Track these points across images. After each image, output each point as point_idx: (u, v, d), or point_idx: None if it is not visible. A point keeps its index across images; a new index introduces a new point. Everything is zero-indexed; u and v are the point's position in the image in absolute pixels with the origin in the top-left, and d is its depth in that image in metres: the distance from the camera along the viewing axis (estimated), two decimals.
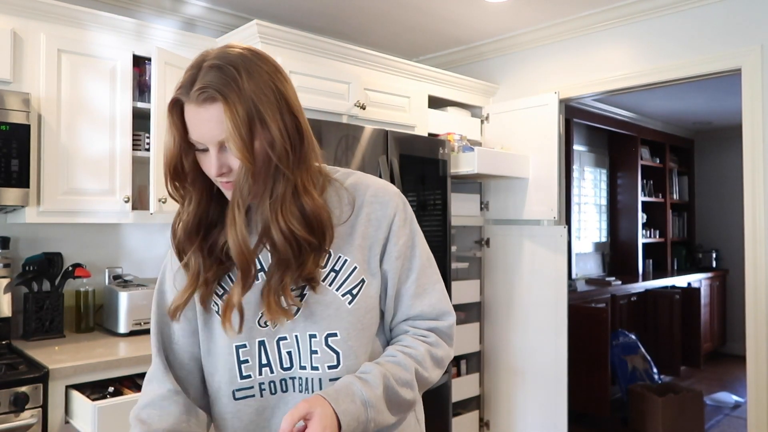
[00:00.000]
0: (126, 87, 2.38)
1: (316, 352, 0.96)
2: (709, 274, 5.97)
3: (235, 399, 0.98)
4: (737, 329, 5.71)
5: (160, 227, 2.84)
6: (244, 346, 0.97)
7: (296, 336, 0.96)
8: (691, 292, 5.53)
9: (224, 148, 0.90)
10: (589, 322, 4.01)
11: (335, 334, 0.95)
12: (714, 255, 6.39)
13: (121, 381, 2.05)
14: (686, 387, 4.11)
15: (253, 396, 0.98)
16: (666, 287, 5.36)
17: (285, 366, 0.97)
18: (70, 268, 2.43)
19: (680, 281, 5.56)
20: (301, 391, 0.97)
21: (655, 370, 4.51)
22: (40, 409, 1.86)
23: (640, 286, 5.10)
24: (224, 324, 0.95)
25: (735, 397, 4.64)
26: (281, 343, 0.97)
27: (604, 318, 4.02)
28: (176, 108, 0.92)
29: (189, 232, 0.97)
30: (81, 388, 1.94)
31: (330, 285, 0.96)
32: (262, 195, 0.92)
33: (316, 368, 0.96)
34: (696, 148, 6.75)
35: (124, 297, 2.40)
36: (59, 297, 2.37)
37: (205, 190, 0.97)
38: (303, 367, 0.97)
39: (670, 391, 3.94)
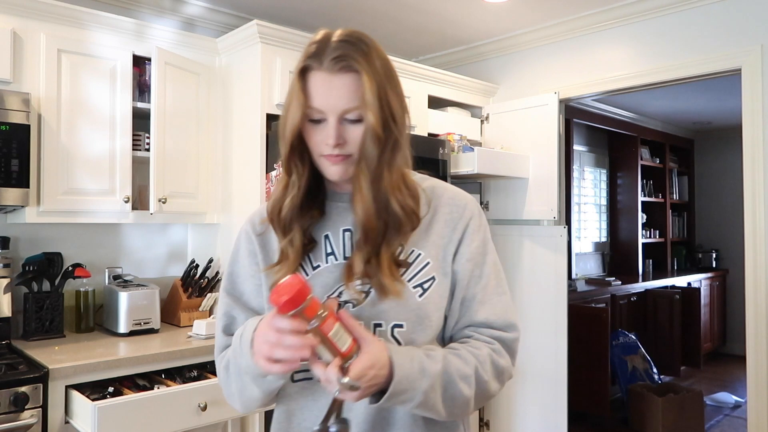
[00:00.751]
0: (126, 87, 2.38)
1: None
2: (709, 274, 5.97)
3: (293, 381, 0.98)
4: (737, 329, 5.71)
5: (160, 227, 2.84)
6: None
7: (361, 324, 0.94)
8: (691, 292, 5.53)
9: (343, 120, 0.92)
10: (589, 322, 4.00)
11: (401, 326, 0.94)
12: (714, 255, 6.39)
13: (121, 381, 2.05)
14: (686, 387, 4.11)
15: (311, 379, 0.96)
16: (666, 287, 5.36)
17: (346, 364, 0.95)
18: (70, 268, 2.43)
19: (680, 281, 5.56)
20: None
21: (655, 370, 4.51)
22: (40, 409, 1.86)
23: (640, 286, 5.10)
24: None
25: (735, 397, 4.64)
26: None
27: (604, 318, 4.02)
28: (302, 76, 0.93)
29: (298, 208, 0.98)
30: (81, 388, 1.94)
31: (402, 275, 0.96)
32: (376, 166, 0.93)
33: None
34: (696, 148, 6.75)
35: (124, 297, 2.40)
36: (59, 297, 2.37)
37: (310, 167, 0.98)
38: None
39: (670, 391, 3.94)
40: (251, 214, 1.09)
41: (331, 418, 0.86)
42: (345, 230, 1.00)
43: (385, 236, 0.95)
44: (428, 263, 0.98)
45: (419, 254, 0.98)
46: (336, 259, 0.99)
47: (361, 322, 0.88)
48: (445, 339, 1.02)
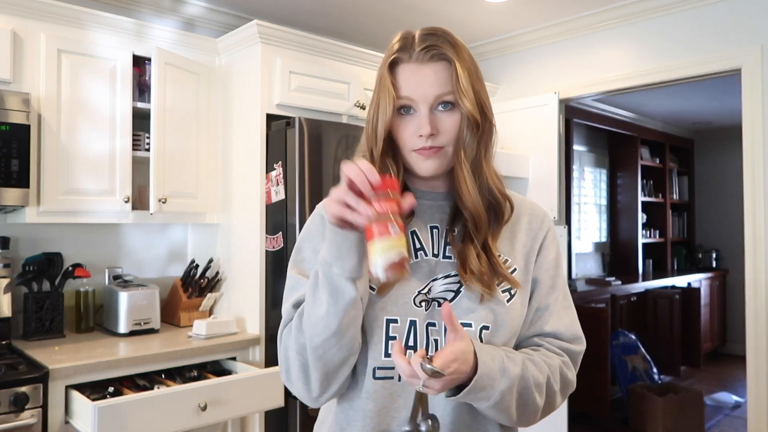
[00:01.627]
0: (126, 87, 2.38)
1: None
2: (709, 274, 5.97)
3: (375, 377, 0.93)
4: (737, 329, 5.70)
5: (160, 227, 2.84)
6: (395, 321, 0.93)
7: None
8: (691, 292, 5.53)
9: (435, 110, 0.91)
10: (589, 322, 3.99)
11: (487, 327, 0.93)
12: (714, 255, 6.39)
13: (121, 381, 2.06)
14: (686, 387, 4.11)
15: (392, 378, 0.93)
16: (666, 287, 5.35)
17: (430, 354, 0.92)
18: (70, 268, 2.43)
19: (680, 281, 5.55)
20: None
21: (655, 370, 4.51)
22: (40, 409, 1.86)
23: (640, 286, 5.10)
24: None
25: (735, 397, 4.64)
26: (430, 329, 0.93)
27: (604, 318, 4.02)
28: (390, 70, 0.93)
29: None
30: (81, 388, 1.94)
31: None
32: (475, 154, 0.93)
33: None
34: (696, 148, 6.75)
35: (124, 297, 2.40)
36: (59, 297, 2.37)
37: (401, 163, 0.96)
38: None
39: (670, 391, 3.94)
40: (326, 200, 1.02)
41: (418, 416, 0.85)
42: (432, 227, 0.99)
43: (491, 227, 0.96)
44: (515, 269, 0.98)
45: (506, 260, 0.98)
46: (426, 255, 0.97)
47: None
48: (515, 346, 1.00)
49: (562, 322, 0.99)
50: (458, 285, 0.94)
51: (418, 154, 0.93)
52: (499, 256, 0.96)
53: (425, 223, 0.99)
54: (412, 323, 0.93)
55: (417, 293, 0.94)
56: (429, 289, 0.95)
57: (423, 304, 0.94)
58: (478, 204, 0.93)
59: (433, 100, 0.90)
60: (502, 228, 0.97)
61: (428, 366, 0.78)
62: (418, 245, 0.97)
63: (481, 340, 0.92)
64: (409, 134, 0.92)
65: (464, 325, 0.91)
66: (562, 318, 1.00)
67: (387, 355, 0.92)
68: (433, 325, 0.93)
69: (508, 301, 0.95)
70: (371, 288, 0.92)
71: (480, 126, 0.92)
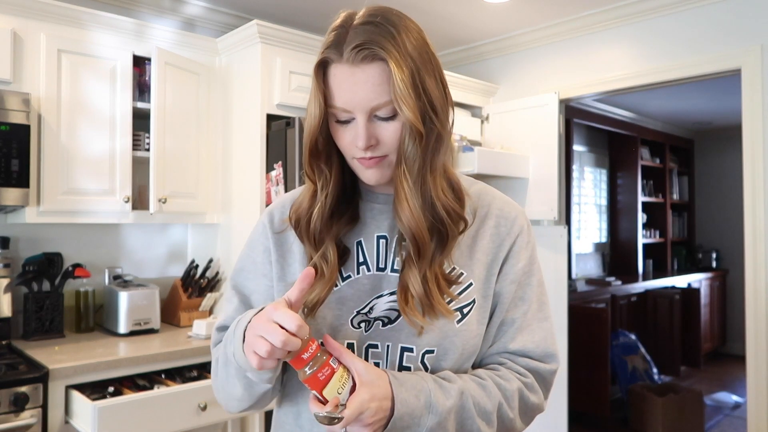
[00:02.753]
0: (126, 87, 2.38)
1: (408, 368, 0.85)
2: (709, 274, 5.97)
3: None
4: (737, 329, 5.71)
5: (160, 227, 2.84)
6: None
7: (387, 346, 0.85)
8: (691, 293, 5.53)
9: (373, 118, 0.81)
10: (589, 322, 4.00)
11: (432, 351, 0.85)
12: (714, 255, 6.39)
13: (121, 381, 2.06)
14: (686, 387, 4.11)
15: None
16: (666, 287, 5.36)
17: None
18: (70, 268, 2.43)
19: (680, 281, 5.56)
20: None
21: (655, 370, 4.51)
22: (40, 409, 1.86)
23: (640, 286, 5.10)
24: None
25: (735, 397, 4.64)
26: (370, 351, 0.86)
27: (604, 318, 4.02)
28: (320, 70, 0.81)
29: (327, 219, 0.86)
30: (81, 388, 1.94)
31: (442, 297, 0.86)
32: (419, 167, 0.82)
33: None
34: (696, 148, 6.75)
35: (124, 297, 2.40)
36: (59, 297, 2.37)
37: (340, 169, 0.88)
38: None
39: (670, 391, 3.94)
40: (271, 207, 0.98)
41: None
42: (380, 237, 0.90)
43: (436, 251, 0.84)
44: (471, 284, 0.87)
45: (461, 273, 0.87)
46: (368, 270, 0.89)
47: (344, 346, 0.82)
48: (474, 364, 0.91)
49: (531, 338, 0.90)
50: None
51: (359, 163, 0.84)
52: (453, 269, 0.87)
53: (372, 232, 0.90)
54: (349, 346, 0.85)
55: (355, 314, 0.86)
56: (370, 308, 0.87)
57: (362, 324, 0.86)
58: (420, 224, 0.82)
59: (370, 110, 0.80)
60: (451, 247, 0.85)
61: (338, 416, 0.74)
62: (361, 259, 0.89)
63: (426, 366, 0.85)
64: (347, 143, 0.83)
65: (405, 349, 0.85)
66: (532, 334, 0.90)
67: None
68: (375, 347, 0.86)
69: (459, 321, 0.85)
70: (302, 311, 0.86)
71: (423, 135, 0.80)
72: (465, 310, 0.86)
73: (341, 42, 0.79)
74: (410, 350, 0.85)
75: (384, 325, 0.86)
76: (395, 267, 0.88)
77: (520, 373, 0.89)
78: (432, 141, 0.82)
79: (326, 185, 0.87)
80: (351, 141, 0.83)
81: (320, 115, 0.81)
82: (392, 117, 0.80)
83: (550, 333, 0.93)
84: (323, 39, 0.84)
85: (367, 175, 0.85)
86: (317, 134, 0.84)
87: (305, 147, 0.85)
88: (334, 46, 0.80)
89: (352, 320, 0.87)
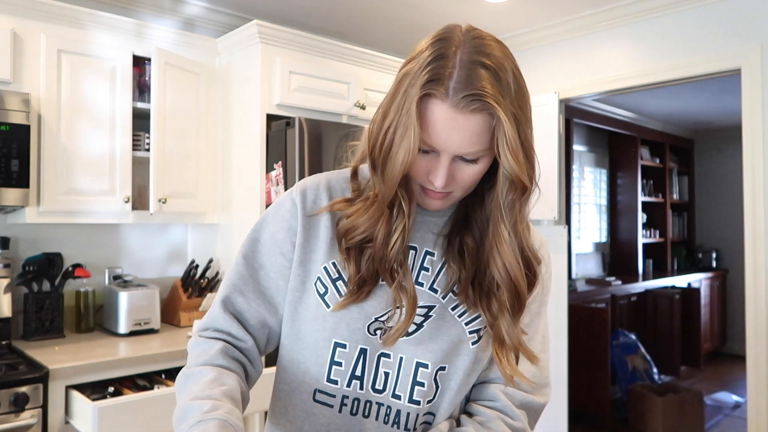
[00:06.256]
0: (126, 87, 2.38)
1: (421, 384, 0.85)
2: (709, 274, 5.97)
3: (314, 400, 0.87)
4: (737, 329, 5.71)
5: (160, 227, 2.84)
6: (344, 346, 0.85)
7: (401, 358, 0.85)
8: (691, 292, 5.53)
9: (457, 159, 0.78)
10: (589, 322, 4.00)
11: (444, 368, 0.86)
12: (714, 255, 6.39)
13: (121, 381, 2.06)
14: (686, 387, 4.11)
15: (331, 407, 0.86)
16: (666, 287, 5.36)
17: (377, 387, 0.85)
18: (70, 268, 2.43)
19: (680, 281, 5.56)
20: (385, 422, 0.86)
21: (655, 370, 4.51)
22: (40, 409, 1.86)
23: (640, 286, 5.10)
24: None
25: (735, 397, 4.64)
26: (382, 359, 0.85)
27: (604, 318, 4.02)
28: (422, 102, 0.75)
29: (387, 249, 0.83)
30: (81, 388, 1.94)
31: (460, 317, 0.86)
32: (515, 219, 0.81)
33: (417, 402, 0.85)
34: (696, 148, 6.75)
35: (124, 297, 2.40)
36: (59, 297, 2.37)
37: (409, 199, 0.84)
38: (397, 396, 0.85)
39: (670, 391, 3.94)
40: (303, 186, 0.91)
41: None
42: (428, 252, 0.88)
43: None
44: (479, 315, 0.87)
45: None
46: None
47: None
48: (475, 383, 0.93)
49: (530, 366, 0.89)
50: (423, 318, 0.85)
51: (425, 192, 0.83)
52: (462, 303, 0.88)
53: (423, 244, 0.89)
54: (362, 351, 0.85)
55: (373, 320, 0.85)
56: (389, 317, 0.85)
57: (378, 332, 0.85)
58: (521, 275, 0.81)
59: (458, 155, 0.77)
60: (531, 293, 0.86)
61: None
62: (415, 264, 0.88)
63: (436, 383, 0.86)
64: (419, 171, 0.80)
65: (420, 365, 0.85)
66: (529, 363, 0.89)
67: (329, 380, 0.86)
68: (387, 356, 0.85)
69: (474, 343, 0.86)
70: (326, 304, 0.85)
71: (528, 189, 0.79)
72: (480, 333, 0.87)
73: (446, 78, 0.73)
74: (425, 366, 0.85)
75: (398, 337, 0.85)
76: (419, 280, 0.87)
77: (511, 422, 0.88)
78: (530, 193, 0.81)
79: (407, 215, 0.83)
80: (425, 172, 0.80)
81: (414, 150, 0.76)
82: (475, 161, 0.79)
83: (547, 364, 0.94)
84: (417, 56, 0.77)
85: (429, 203, 0.84)
86: (408, 168, 0.78)
87: (395, 176, 0.78)
88: (438, 81, 0.74)
89: (369, 326, 0.85)
